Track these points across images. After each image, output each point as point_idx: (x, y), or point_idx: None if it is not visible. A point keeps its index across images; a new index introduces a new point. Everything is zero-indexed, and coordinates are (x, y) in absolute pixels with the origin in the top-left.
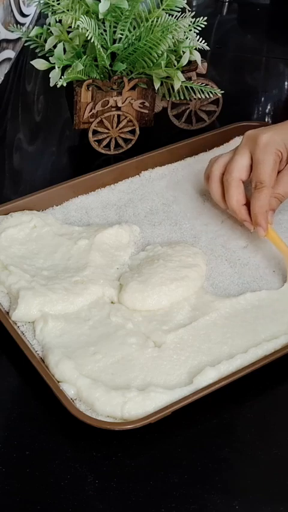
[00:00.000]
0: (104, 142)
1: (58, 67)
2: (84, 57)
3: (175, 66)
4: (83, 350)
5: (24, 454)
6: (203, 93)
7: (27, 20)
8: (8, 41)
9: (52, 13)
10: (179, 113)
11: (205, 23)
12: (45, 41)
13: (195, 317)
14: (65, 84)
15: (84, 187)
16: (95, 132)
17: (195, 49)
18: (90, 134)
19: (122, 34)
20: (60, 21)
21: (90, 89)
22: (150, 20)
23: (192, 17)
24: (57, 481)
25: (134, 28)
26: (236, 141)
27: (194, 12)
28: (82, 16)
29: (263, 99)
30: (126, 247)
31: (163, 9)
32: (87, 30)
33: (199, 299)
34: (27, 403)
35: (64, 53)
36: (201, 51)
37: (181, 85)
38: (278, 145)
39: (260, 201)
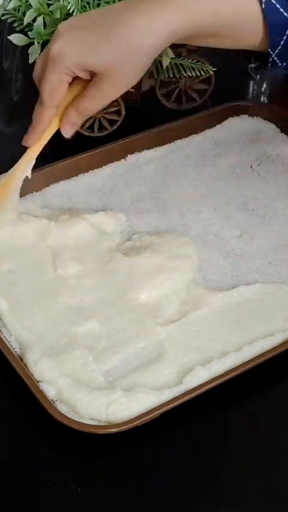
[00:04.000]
0: (87, 124)
1: (38, 42)
2: None
3: None
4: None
5: (1, 459)
6: (193, 70)
7: None
8: None
9: None
10: (168, 92)
11: None
12: (24, 14)
13: (185, 312)
14: None
15: (66, 172)
16: None
17: None
18: None
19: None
20: None
21: None
22: None
23: None
24: (37, 488)
25: (120, 1)
26: (230, 122)
27: None
28: None
29: (258, 77)
30: (112, 237)
31: None
32: (69, 3)
33: (190, 292)
34: (5, 402)
35: (44, 27)
36: None
37: (170, 62)
38: (69, 62)
39: (33, 116)
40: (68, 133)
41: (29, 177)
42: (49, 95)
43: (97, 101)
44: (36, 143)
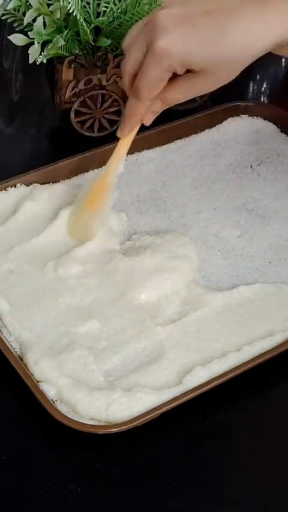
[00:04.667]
0: (87, 124)
1: (38, 42)
2: (66, 31)
3: None
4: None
5: (1, 459)
6: None
7: None
8: None
9: None
10: None
11: None
12: (24, 14)
13: (186, 312)
14: (45, 61)
15: (66, 172)
16: (77, 113)
17: None
18: (72, 115)
19: (106, 7)
20: None
21: (72, 66)
22: None
23: None
24: (37, 489)
25: (120, 0)
26: (230, 122)
27: None
28: None
29: (258, 76)
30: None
31: None
32: (69, 3)
33: (190, 292)
34: (5, 402)
35: (44, 27)
36: None
37: None
38: (174, 60)
39: (128, 109)
40: (149, 121)
41: (122, 171)
42: (148, 89)
43: (187, 94)
44: (128, 136)
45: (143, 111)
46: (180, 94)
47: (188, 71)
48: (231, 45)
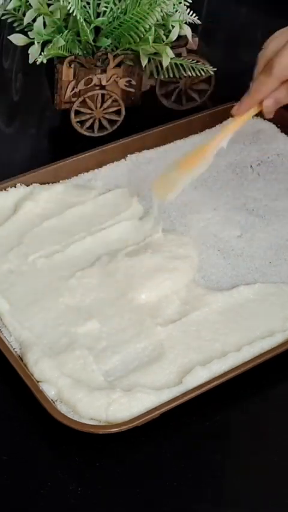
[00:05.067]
0: (87, 124)
1: (38, 42)
2: (66, 31)
3: (164, 41)
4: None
5: (1, 459)
6: (193, 70)
7: None
8: None
9: None
10: (168, 92)
11: None
12: (24, 14)
13: (186, 312)
14: (45, 61)
15: (66, 172)
16: (77, 113)
17: (186, 23)
18: (72, 115)
19: (106, 7)
20: None
21: (72, 66)
22: None
23: None
24: (37, 489)
25: (120, 0)
26: (230, 122)
27: None
28: None
29: None
30: None
31: None
32: (69, 3)
33: (190, 292)
34: (5, 402)
35: (44, 27)
36: (192, 26)
37: (170, 62)
38: None
39: (253, 86)
40: (269, 106)
41: (224, 147)
42: (284, 68)
43: None
44: (245, 114)
45: (268, 90)
46: None
47: None
48: None
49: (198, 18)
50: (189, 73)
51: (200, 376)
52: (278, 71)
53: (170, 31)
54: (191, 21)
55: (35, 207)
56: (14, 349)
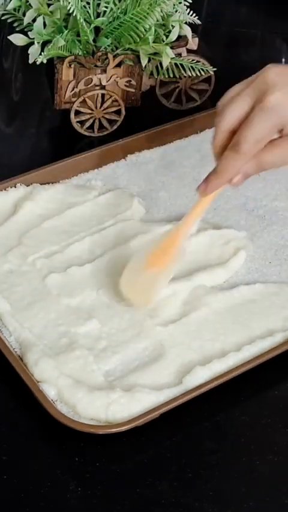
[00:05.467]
0: (87, 124)
1: (38, 42)
2: (66, 31)
3: (164, 41)
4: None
5: (1, 459)
6: (193, 70)
7: None
8: None
9: None
10: (168, 92)
11: None
12: (24, 14)
13: (186, 312)
14: (45, 61)
15: (66, 172)
16: (77, 113)
17: (186, 23)
18: (72, 115)
19: (106, 7)
20: None
21: (72, 66)
22: None
23: None
24: (37, 489)
25: (120, 0)
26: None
27: None
28: None
29: None
30: None
31: None
32: (69, 3)
33: (190, 292)
34: (5, 402)
35: (44, 27)
36: (192, 26)
37: (170, 62)
38: (285, 114)
39: (221, 165)
40: (238, 183)
41: (194, 232)
42: (254, 144)
43: (286, 158)
44: (209, 196)
45: (237, 168)
46: (278, 158)
47: None
48: None
49: (198, 18)
50: (189, 73)
51: (200, 376)
52: (246, 148)
53: (170, 31)
54: (191, 21)
55: (35, 207)
56: (14, 349)
